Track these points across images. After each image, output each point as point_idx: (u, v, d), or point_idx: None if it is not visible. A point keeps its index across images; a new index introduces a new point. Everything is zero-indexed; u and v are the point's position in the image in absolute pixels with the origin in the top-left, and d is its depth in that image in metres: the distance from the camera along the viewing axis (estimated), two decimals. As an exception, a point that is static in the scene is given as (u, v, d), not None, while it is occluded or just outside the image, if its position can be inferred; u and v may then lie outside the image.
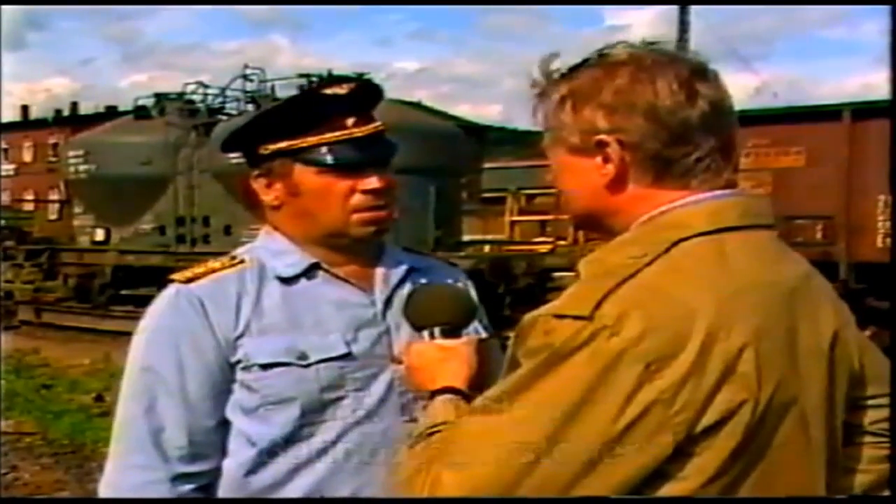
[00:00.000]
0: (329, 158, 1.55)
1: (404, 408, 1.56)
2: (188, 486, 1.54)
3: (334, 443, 1.54)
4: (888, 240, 10.62)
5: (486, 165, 19.20)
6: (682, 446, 1.08)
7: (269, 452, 1.53)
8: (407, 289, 1.62)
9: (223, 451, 1.56)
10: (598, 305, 1.08)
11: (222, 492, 1.56)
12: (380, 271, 1.63)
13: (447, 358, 1.44)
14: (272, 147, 1.58)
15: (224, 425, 1.56)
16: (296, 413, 1.52)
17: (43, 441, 7.06)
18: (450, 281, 1.71)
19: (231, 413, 1.55)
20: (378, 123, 1.61)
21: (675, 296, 1.10)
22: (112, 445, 1.59)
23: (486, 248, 15.40)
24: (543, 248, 14.13)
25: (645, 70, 1.19)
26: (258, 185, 1.63)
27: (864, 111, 10.87)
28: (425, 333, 1.50)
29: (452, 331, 1.50)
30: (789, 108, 13.10)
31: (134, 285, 14.10)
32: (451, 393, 1.37)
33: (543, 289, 11.87)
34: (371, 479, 1.53)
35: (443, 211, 12.49)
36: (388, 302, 1.61)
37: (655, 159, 1.19)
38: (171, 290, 1.58)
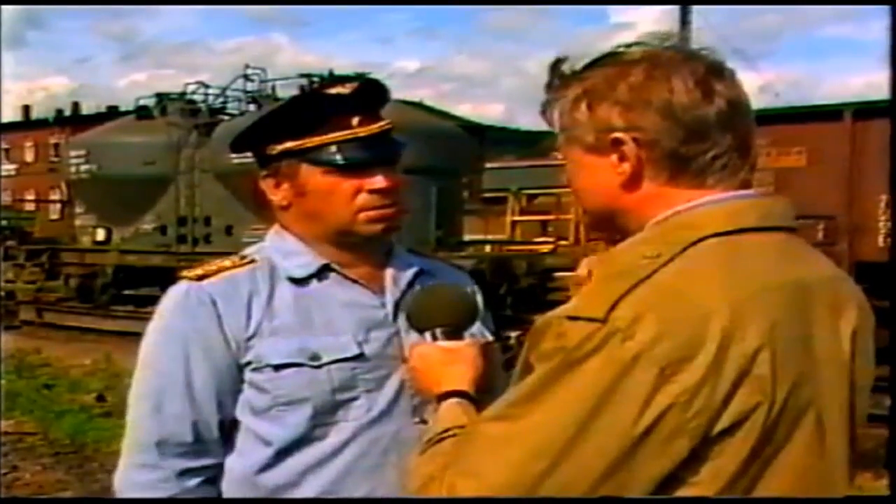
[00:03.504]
0: (334, 158, 1.55)
1: (415, 409, 1.56)
2: (194, 481, 1.55)
3: (346, 443, 1.54)
4: (889, 239, 10.61)
5: (488, 165, 19.16)
6: (698, 450, 1.06)
7: (282, 453, 1.53)
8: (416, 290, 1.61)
9: (228, 453, 1.56)
10: (613, 308, 1.06)
11: (233, 491, 1.56)
12: (390, 273, 1.63)
13: (451, 360, 1.43)
14: (279, 147, 1.58)
15: (230, 423, 1.56)
16: (308, 414, 1.52)
17: (44, 441, 7.06)
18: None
19: (241, 413, 1.56)
20: (384, 122, 1.61)
21: (690, 298, 1.08)
22: (123, 444, 1.60)
23: (488, 248, 15.38)
24: (545, 248, 14.13)
25: (660, 67, 1.18)
26: (266, 185, 1.63)
27: (865, 111, 10.87)
28: (427, 335, 1.49)
29: (455, 332, 1.49)
30: (791, 107, 13.08)
31: (135, 285, 14.14)
32: (457, 396, 1.36)
33: (545, 289, 11.88)
34: (383, 480, 1.53)
35: (444, 211, 12.49)
36: (398, 303, 1.61)
37: (671, 157, 1.17)
38: (181, 287, 1.58)
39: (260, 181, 1.63)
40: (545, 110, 1.28)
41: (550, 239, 15.24)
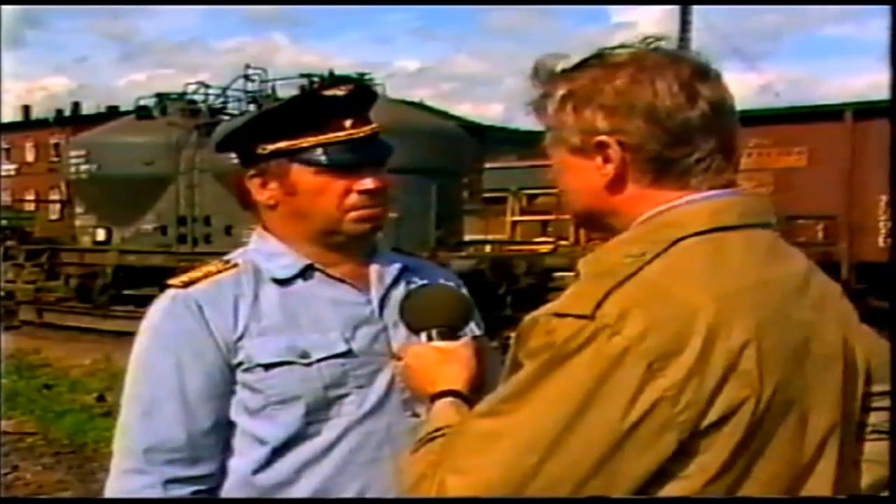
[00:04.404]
0: (327, 159, 1.57)
1: (406, 403, 1.57)
2: (186, 490, 1.54)
3: (340, 439, 1.55)
4: (889, 239, 10.63)
5: (488, 165, 19.21)
6: (685, 444, 1.07)
7: (278, 451, 1.54)
8: (401, 287, 1.64)
9: (224, 454, 1.57)
10: (600, 304, 1.08)
11: (232, 491, 1.57)
12: (374, 270, 1.64)
13: (446, 360, 1.44)
14: (270, 147, 1.59)
15: (225, 428, 1.57)
16: (301, 411, 1.54)
17: (44, 441, 7.06)
18: (442, 281, 1.71)
19: (235, 414, 1.56)
20: (374, 125, 1.63)
21: (676, 294, 1.09)
22: (114, 449, 1.60)
23: (488, 248, 15.38)
24: (544, 248, 14.12)
25: (645, 71, 1.19)
26: (253, 184, 1.64)
27: (866, 111, 10.90)
28: (423, 336, 1.50)
29: (449, 332, 1.50)
30: (791, 108, 13.11)
31: (135, 285, 14.10)
32: (451, 396, 1.37)
33: (545, 289, 11.86)
34: (378, 474, 1.54)
35: (444, 211, 12.49)
36: (383, 300, 1.62)
37: (655, 160, 1.19)
38: (168, 294, 1.60)
39: (246, 180, 1.64)
40: (535, 109, 1.28)
41: (550, 239, 15.24)
